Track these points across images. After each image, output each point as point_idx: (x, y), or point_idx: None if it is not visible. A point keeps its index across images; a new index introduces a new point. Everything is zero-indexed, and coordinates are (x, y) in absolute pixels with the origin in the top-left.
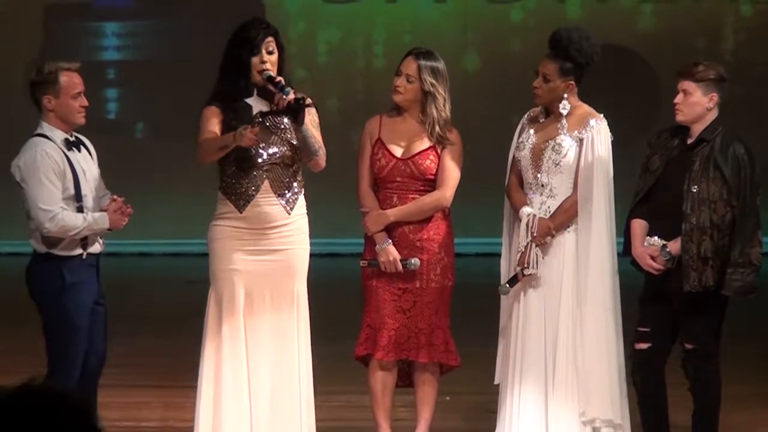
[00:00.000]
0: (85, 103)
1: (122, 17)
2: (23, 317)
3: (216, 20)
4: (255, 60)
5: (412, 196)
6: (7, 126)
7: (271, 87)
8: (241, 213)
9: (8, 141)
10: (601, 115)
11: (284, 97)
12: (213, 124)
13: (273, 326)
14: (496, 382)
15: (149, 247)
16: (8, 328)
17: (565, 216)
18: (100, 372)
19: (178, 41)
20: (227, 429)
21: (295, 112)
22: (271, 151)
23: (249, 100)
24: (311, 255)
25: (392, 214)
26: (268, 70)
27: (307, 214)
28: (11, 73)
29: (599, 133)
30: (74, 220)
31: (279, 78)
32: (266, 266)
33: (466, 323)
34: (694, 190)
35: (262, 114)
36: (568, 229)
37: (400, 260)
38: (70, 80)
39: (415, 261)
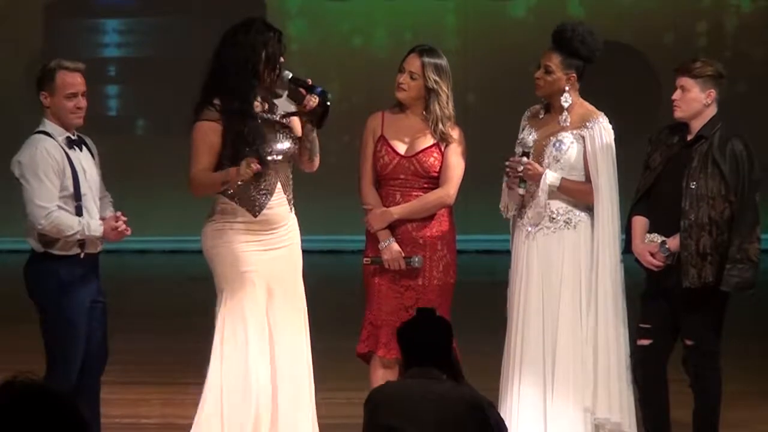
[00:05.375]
0: (82, 104)
1: (123, 14)
2: (23, 315)
3: (217, 17)
4: (272, 75)
5: (416, 193)
6: (8, 124)
7: (301, 89)
8: (255, 217)
9: (8, 139)
10: (602, 113)
11: (316, 98)
12: (211, 149)
13: (289, 321)
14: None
15: (150, 244)
16: (8, 325)
17: (575, 190)
18: (102, 369)
19: (179, 38)
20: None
21: (322, 116)
22: (280, 148)
23: (277, 101)
24: (313, 252)
25: (396, 211)
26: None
27: (309, 211)
28: (11, 72)
29: (601, 131)
30: (69, 221)
31: (309, 80)
32: (277, 263)
33: (466, 321)
34: (693, 187)
35: (284, 115)
36: (568, 226)
37: (404, 258)
38: (66, 80)
39: (418, 258)
